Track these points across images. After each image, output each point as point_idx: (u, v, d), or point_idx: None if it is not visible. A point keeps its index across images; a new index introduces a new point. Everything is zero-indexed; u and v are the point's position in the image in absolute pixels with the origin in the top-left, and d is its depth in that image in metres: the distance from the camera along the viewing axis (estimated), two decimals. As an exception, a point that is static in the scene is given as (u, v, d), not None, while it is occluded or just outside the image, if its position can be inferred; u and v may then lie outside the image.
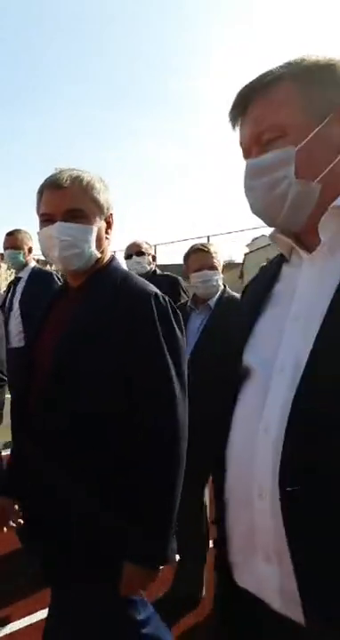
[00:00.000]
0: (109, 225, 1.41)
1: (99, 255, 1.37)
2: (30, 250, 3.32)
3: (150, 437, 1.24)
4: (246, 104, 0.86)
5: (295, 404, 0.75)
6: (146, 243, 3.51)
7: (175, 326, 1.32)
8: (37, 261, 3.54)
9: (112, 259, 1.44)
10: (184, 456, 1.29)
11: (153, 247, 3.64)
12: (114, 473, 1.26)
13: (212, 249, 2.41)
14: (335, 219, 0.80)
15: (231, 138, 0.94)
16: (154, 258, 3.54)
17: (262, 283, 0.99)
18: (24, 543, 1.44)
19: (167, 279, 3.43)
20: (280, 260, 0.96)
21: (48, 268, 3.20)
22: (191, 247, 2.49)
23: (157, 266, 3.62)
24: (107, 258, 1.43)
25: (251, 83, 0.86)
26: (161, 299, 1.32)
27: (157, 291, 1.35)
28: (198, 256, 2.38)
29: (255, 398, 0.83)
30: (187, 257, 2.48)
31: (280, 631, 0.77)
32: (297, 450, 0.73)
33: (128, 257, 3.45)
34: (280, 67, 0.85)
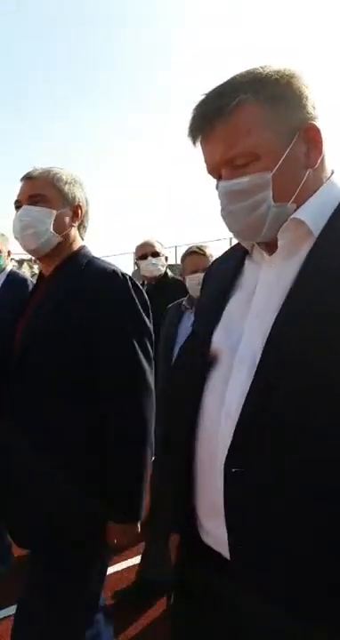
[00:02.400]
0: (76, 214, 1.54)
1: (60, 238, 1.50)
2: (9, 253, 3.23)
3: (116, 406, 1.40)
4: (212, 126, 0.87)
5: (247, 398, 0.84)
6: (158, 242, 3.48)
7: (137, 301, 1.47)
8: (20, 261, 3.44)
9: (81, 248, 1.57)
10: (150, 428, 1.44)
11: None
12: (85, 443, 1.40)
13: (207, 252, 2.44)
14: (293, 228, 0.88)
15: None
16: (166, 259, 3.51)
17: (225, 271, 1.06)
18: None
19: (179, 284, 3.35)
20: (244, 252, 1.03)
21: (23, 269, 3.12)
22: (188, 249, 2.58)
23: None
24: (76, 247, 1.55)
25: (214, 104, 0.87)
26: (120, 275, 1.46)
27: (117, 268, 1.49)
28: (194, 259, 2.46)
29: (219, 386, 0.93)
30: (183, 259, 2.58)
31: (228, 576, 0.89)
32: (244, 438, 0.84)
33: (142, 257, 3.40)
34: (241, 86, 0.86)
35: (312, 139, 0.88)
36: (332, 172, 0.93)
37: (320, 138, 0.88)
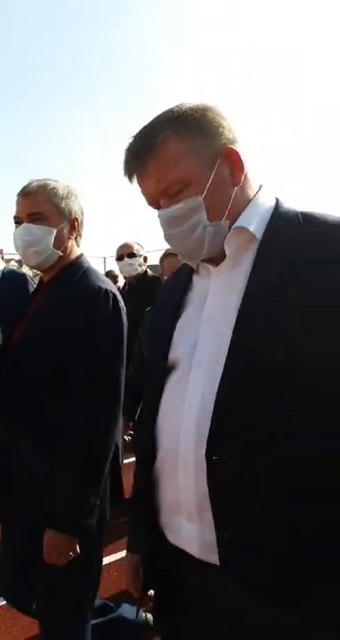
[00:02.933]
0: (73, 227, 1.60)
1: (60, 253, 1.57)
2: (1, 252, 3.20)
3: (83, 420, 1.41)
4: (142, 164, 0.97)
5: (218, 394, 0.89)
6: (138, 244, 3.57)
7: (112, 317, 1.50)
8: (21, 261, 3.30)
9: (78, 257, 1.63)
10: (112, 443, 1.46)
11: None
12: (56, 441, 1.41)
13: None
14: (236, 236, 0.96)
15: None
16: (145, 259, 3.61)
17: (175, 289, 1.14)
18: None
19: (158, 281, 3.47)
20: (191, 270, 1.11)
21: (23, 269, 3.02)
22: (165, 252, 2.71)
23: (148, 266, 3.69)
24: (73, 256, 1.62)
25: (142, 143, 0.96)
26: (105, 295, 1.49)
27: (107, 287, 1.52)
28: (171, 261, 2.58)
29: (178, 387, 0.99)
30: (161, 261, 2.70)
31: (198, 574, 0.94)
32: (219, 427, 0.89)
33: (119, 258, 3.52)
34: (163, 124, 0.95)
35: (233, 161, 0.96)
36: (260, 187, 1.02)
37: (240, 159, 0.96)
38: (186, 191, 0.94)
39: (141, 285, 3.52)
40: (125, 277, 3.63)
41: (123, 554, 2.79)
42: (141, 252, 3.56)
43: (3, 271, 3.08)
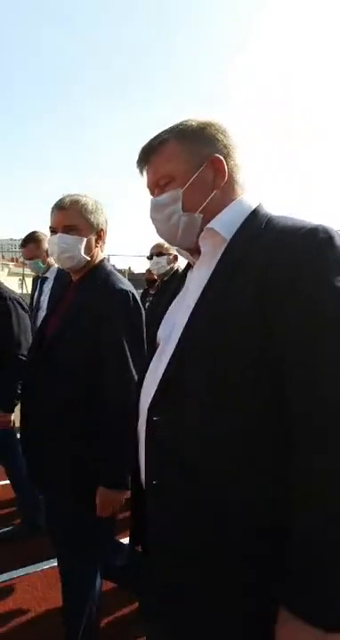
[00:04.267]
0: (99, 237, 1.89)
1: (88, 258, 1.86)
2: (48, 253, 3.12)
3: (108, 397, 1.70)
4: (146, 159, 1.19)
5: (164, 372, 1.08)
6: None
7: (133, 318, 1.77)
8: None
9: (102, 260, 1.92)
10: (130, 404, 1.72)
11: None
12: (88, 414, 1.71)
13: None
14: (209, 237, 1.12)
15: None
16: (176, 257, 3.72)
17: (176, 280, 1.33)
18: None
19: None
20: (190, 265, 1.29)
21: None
22: None
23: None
24: (98, 260, 1.91)
25: (149, 143, 1.18)
26: (124, 295, 1.77)
27: (128, 288, 1.78)
28: None
29: (154, 365, 1.17)
30: None
31: None
32: (158, 401, 1.08)
33: (150, 258, 3.71)
34: (168, 131, 1.16)
35: (217, 168, 1.12)
36: (243, 193, 1.15)
37: (224, 168, 1.12)
38: (171, 184, 1.13)
39: (170, 283, 3.64)
40: (156, 276, 3.79)
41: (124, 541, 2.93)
42: (170, 251, 3.68)
43: (58, 269, 3.31)
